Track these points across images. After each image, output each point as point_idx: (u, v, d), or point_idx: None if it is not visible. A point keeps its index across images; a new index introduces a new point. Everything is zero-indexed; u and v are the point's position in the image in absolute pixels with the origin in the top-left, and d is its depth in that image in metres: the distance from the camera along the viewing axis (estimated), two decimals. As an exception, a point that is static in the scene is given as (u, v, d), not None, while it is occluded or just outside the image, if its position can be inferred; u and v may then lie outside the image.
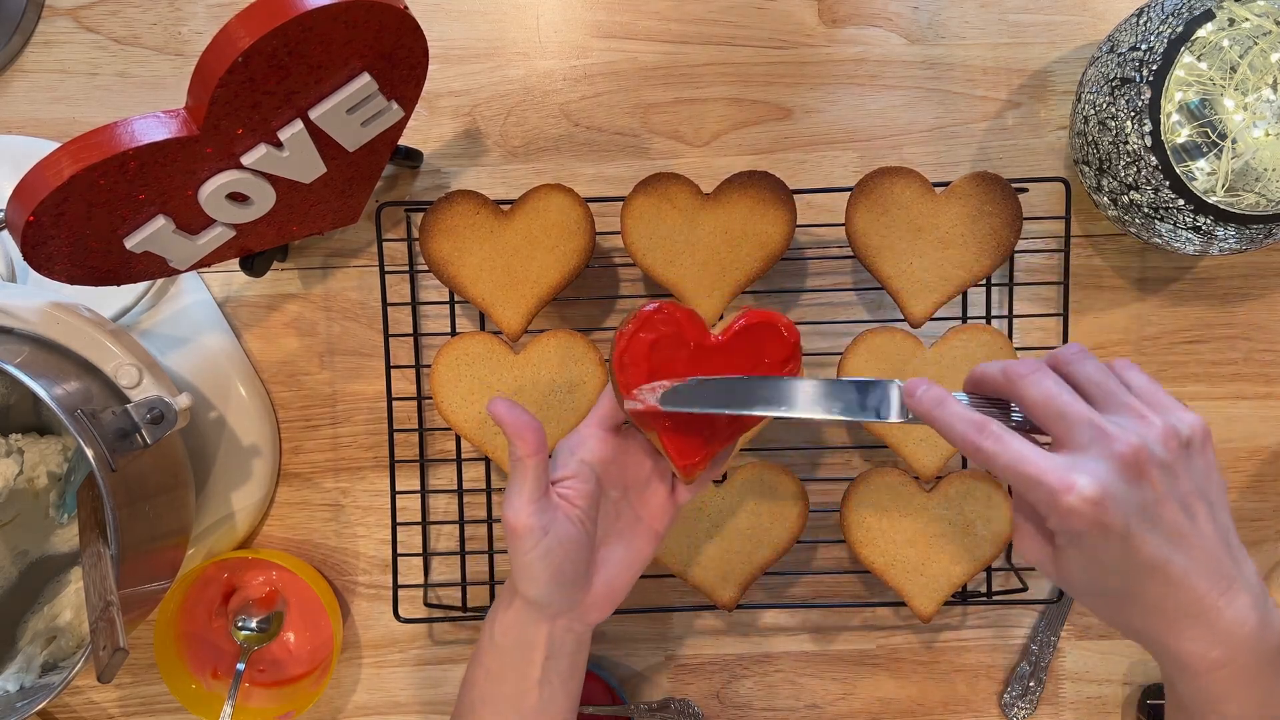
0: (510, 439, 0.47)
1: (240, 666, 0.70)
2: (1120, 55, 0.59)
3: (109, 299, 0.66)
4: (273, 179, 0.55)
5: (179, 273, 0.60)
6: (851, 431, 0.72)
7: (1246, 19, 0.56)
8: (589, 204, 0.64)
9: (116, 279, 0.58)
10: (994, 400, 0.45)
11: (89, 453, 0.52)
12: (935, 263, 0.63)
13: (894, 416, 0.45)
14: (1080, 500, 0.38)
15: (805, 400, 0.46)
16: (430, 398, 0.68)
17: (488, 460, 0.70)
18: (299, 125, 0.52)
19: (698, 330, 0.49)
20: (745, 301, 0.71)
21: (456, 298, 0.69)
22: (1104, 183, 0.61)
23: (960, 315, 0.69)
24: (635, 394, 0.48)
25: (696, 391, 0.47)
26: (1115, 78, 0.59)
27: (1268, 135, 0.56)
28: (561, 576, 0.49)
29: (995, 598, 0.70)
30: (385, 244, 0.68)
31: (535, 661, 0.51)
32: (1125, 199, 0.60)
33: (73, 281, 0.55)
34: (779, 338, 0.50)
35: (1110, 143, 0.59)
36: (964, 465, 0.69)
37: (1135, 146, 0.57)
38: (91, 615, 0.52)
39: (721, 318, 0.64)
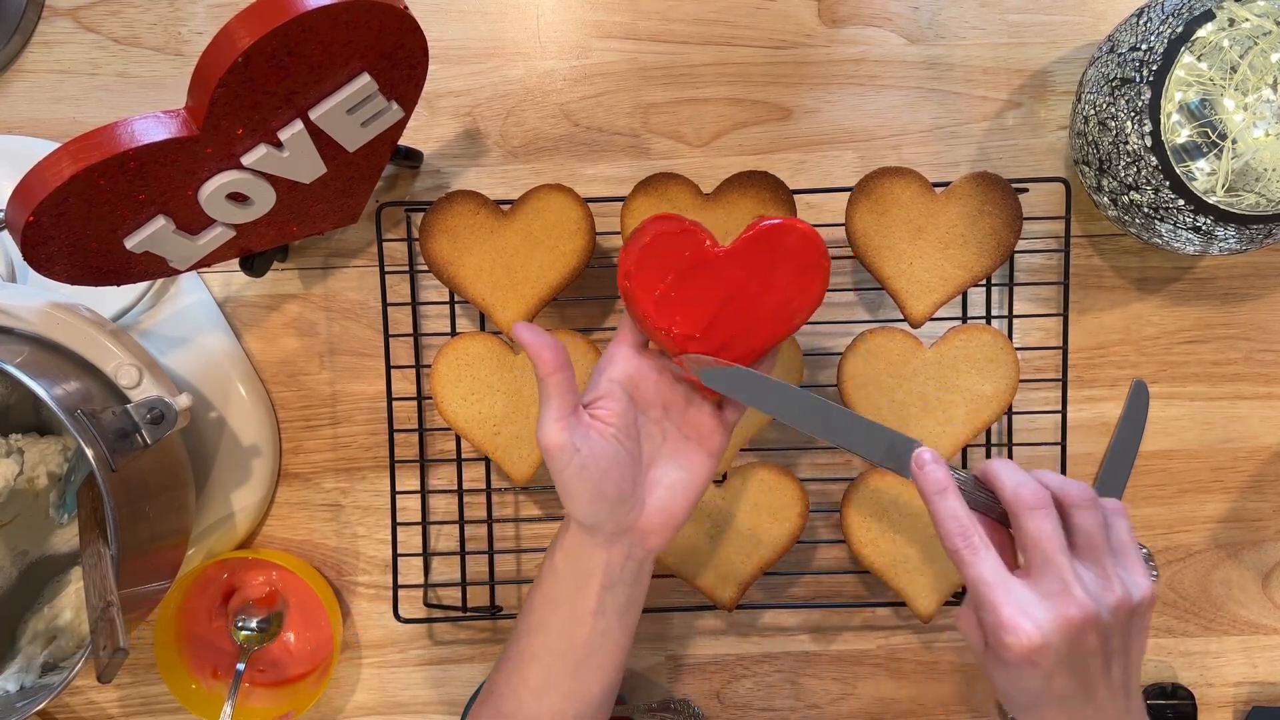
0: (532, 361, 0.48)
1: (240, 666, 0.70)
2: (1120, 55, 0.59)
3: (109, 299, 0.66)
4: (273, 179, 0.55)
5: (179, 273, 0.60)
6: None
7: (1246, 19, 0.56)
8: (589, 204, 0.64)
9: (116, 279, 0.58)
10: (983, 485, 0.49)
11: (89, 453, 0.52)
12: (935, 263, 0.63)
13: (905, 474, 0.49)
14: (1018, 644, 0.43)
15: (835, 429, 0.50)
16: (430, 398, 0.68)
17: (488, 460, 0.70)
18: (299, 125, 0.52)
19: (701, 242, 0.49)
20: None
21: (456, 298, 0.69)
22: (1104, 183, 0.61)
23: (960, 315, 0.69)
24: (681, 360, 0.49)
25: (735, 378, 0.49)
26: (1115, 78, 0.59)
27: (1268, 135, 0.56)
28: (603, 494, 0.48)
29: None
30: (385, 244, 0.69)
31: (591, 590, 0.50)
32: (1125, 199, 0.60)
33: (73, 281, 0.55)
34: (795, 243, 0.49)
35: (1110, 143, 0.59)
36: (964, 465, 0.69)
37: (1135, 146, 0.57)
38: (91, 615, 0.52)
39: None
